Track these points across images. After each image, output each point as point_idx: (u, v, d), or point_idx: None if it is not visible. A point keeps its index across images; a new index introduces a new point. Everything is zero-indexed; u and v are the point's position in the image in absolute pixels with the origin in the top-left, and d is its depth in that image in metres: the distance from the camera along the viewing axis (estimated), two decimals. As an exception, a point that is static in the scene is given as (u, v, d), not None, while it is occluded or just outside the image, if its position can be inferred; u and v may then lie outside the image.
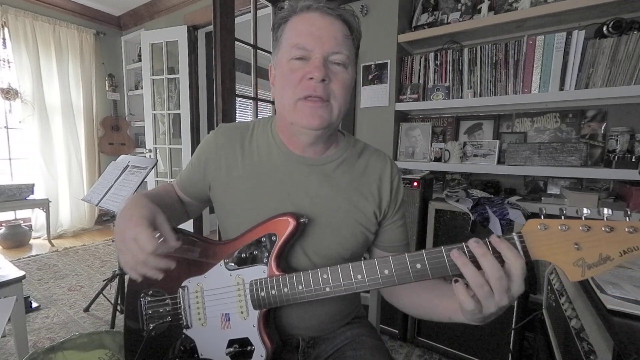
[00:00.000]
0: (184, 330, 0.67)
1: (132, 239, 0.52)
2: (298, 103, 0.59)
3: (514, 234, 0.46)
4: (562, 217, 0.45)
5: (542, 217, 0.45)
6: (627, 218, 0.42)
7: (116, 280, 1.80)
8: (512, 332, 1.27)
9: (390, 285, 0.52)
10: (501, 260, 0.44)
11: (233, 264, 0.64)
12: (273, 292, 0.59)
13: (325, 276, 0.55)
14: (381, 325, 1.61)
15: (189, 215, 0.82)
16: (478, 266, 0.45)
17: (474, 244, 0.45)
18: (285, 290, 0.58)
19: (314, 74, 0.56)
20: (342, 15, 0.60)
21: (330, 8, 0.59)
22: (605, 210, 0.42)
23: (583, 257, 0.43)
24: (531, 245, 0.45)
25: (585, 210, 0.43)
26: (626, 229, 0.41)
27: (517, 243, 0.45)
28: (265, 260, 0.61)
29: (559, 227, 0.44)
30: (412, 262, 0.50)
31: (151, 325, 0.68)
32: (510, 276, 0.44)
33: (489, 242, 0.45)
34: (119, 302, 1.75)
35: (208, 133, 0.77)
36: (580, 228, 0.43)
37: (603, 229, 0.42)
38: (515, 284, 0.44)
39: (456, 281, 0.47)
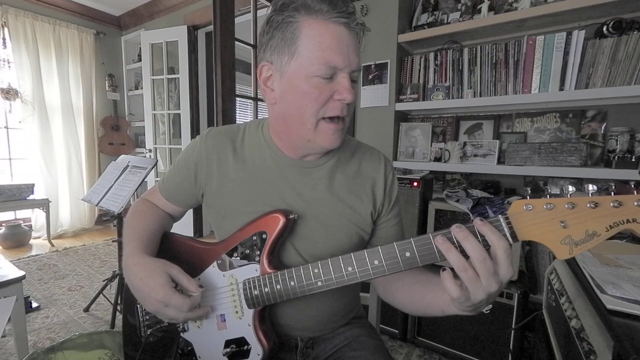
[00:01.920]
0: (181, 334, 0.67)
1: (165, 307, 0.56)
2: (320, 123, 0.57)
3: (500, 216, 0.46)
4: (547, 195, 0.44)
5: (528, 197, 0.45)
6: (612, 193, 0.41)
7: (116, 280, 1.80)
8: (512, 332, 1.27)
9: (380, 276, 0.52)
10: (487, 245, 0.44)
11: (226, 265, 0.64)
12: (266, 289, 0.59)
13: (316, 270, 0.56)
14: (381, 325, 1.61)
15: (175, 221, 0.80)
16: (465, 253, 0.45)
17: (455, 229, 0.46)
18: (278, 287, 0.58)
19: (345, 96, 0.55)
20: (359, 31, 0.58)
21: (355, 23, 0.56)
22: (590, 187, 0.42)
23: (570, 234, 0.43)
24: (518, 226, 0.45)
25: (570, 188, 0.43)
26: (611, 204, 0.40)
27: (504, 225, 0.45)
28: (257, 258, 0.61)
29: (545, 206, 0.44)
30: (401, 250, 0.50)
31: (149, 331, 0.68)
32: (496, 259, 0.44)
33: (474, 225, 0.46)
34: (119, 302, 1.75)
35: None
36: (566, 206, 0.43)
37: (588, 205, 0.41)
38: (502, 267, 0.44)
39: (444, 269, 0.47)
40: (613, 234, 0.41)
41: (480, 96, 1.69)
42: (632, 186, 0.41)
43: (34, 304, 1.91)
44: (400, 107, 1.92)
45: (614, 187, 0.42)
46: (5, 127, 3.19)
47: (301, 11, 0.55)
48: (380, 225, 0.72)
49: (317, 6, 0.54)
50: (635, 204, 0.40)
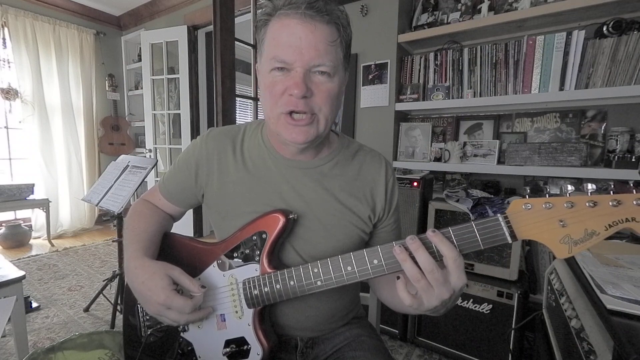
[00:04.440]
0: (181, 334, 0.67)
1: (166, 310, 0.56)
2: (281, 117, 0.58)
3: (499, 215, 0.46)
4: (547, 195, 0.45)
5: (527, 197, 0.46)
6: (611, 192, 0.41)
7: (116, 280, 1.80)
8: (512, 332, 1.27)
9: (380, 275, 0.52)
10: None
11: (226, 264, 0.64)
12: (266, 289, 0.59)
13: (316, 270, 0.56)
14: (381, 325, 1.61)
15: (175, 221, 0.80)
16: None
17: (409, 240, 0.47)
18: (278, 286, 0.58)
19: (294, 91, 0.54)
20: (326, 17, 0.54)
21: (313, 10, 0.53)
22: (589, 186, 0.42)
23: (569, 233, 0.43)
24: (517, 225, 0.45)
25: (569, 187, 0.43)
26: (610, 203, 0.41)
27: (503, 224, 0.45)
28: (257, 258, 0.61)
29: (543, 206, 0.44)
30: None
31: (149, 331, 0.68)
32: (447, 268, 0.45)
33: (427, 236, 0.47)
34: (119, 302, 1.75)
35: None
36: (565, 205, 0.43)
37: (587, 204, 0.42)
38: (453, 276, 0.45)
39: (398, 278, 0.48)
40: (612, 232, 0.41)
41: (480, 96, 1.69)
42: (631, 185, 0.41)
43: (34, 304, 1.91)
44: (400, 107, 1.92)
45: (612, 186, 0.42)
46: (5, 127, 3.19)
47: (271, 13, 0.57)
48: (380, 229, 0.72)
49: (280, 4, 0.55)
50: (635, 202, 0.40)
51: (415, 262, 0.46)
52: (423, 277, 0.45)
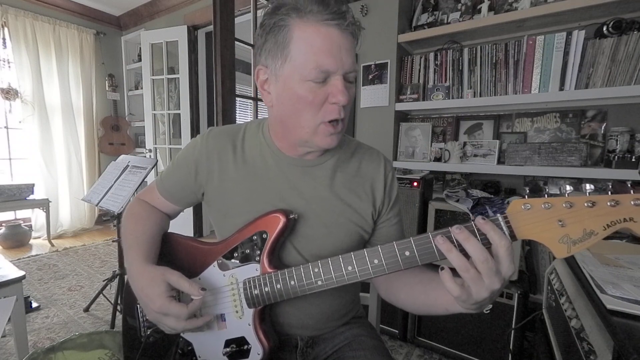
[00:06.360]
0: (181, 334, 0.67)
1: (163, 317, 0.56)
2: (321, 126, 0.58)
3: (498, 215, 0.46)
4: (545, 195, 0.45)
5: (526, 197, 0.46)
6: (609, 192, 0.42)
7: (116, 280, 1.80)
8: (512, 332, 1.27)
9: (380, 275, 0.52)
10: (488, 243, 0.45)
11: (226, 264, 0.64)
12: (266, 289, 0.59)
13: (316, 270, 0.56)
14: (381, 325, 1.61)
15: (171, 219, 0.80)
16: (465, 252, 0.45)
17: (455, 230, 0.45)
18: (278, 286, 0.58)
19: (339, 98, 0.55)
20: (352, 27, 0.56)
21: (348, 23, 0.54)
22: (587, 186, 0.42)
23: (568, 233, 0.43)
24: (517, 225, 0.45)
25: (568, 188, 0.44)
26: (608, 203, 0.41)
27: (503, 224, 0.45)
28: (257, 258, 0.61)
29: (543, 206, 0.44)
30: (400, 250, 0.50)
31: (149, 331, 0.68)
32: (498, 257, 0.44)
33: (474, 224, 0.46)
34: (119, 302, 1.75)
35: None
36: (564, 205, 0.43)
37: (585, 204, 0.42)
38: (503, 265, 0.44)
39: (442, 269, 0.47)
40: (610, 232, 0.41)
41: (480, 96, 1.69)
42: (629, 185, 0.41)
43: (34, 304, 1.91)
44: (400, 107, 1.92)
45: (610, 186, 0.42)
46: (5, 127, 3.19)
47: (292, 14, 0.54)
48: (380, 225, 0.72)
49: (308, 7, 0.53)
50: (632, 203, 0.40)
51: (460, 252, 0.45)
52: (472, 266, 0.44)
